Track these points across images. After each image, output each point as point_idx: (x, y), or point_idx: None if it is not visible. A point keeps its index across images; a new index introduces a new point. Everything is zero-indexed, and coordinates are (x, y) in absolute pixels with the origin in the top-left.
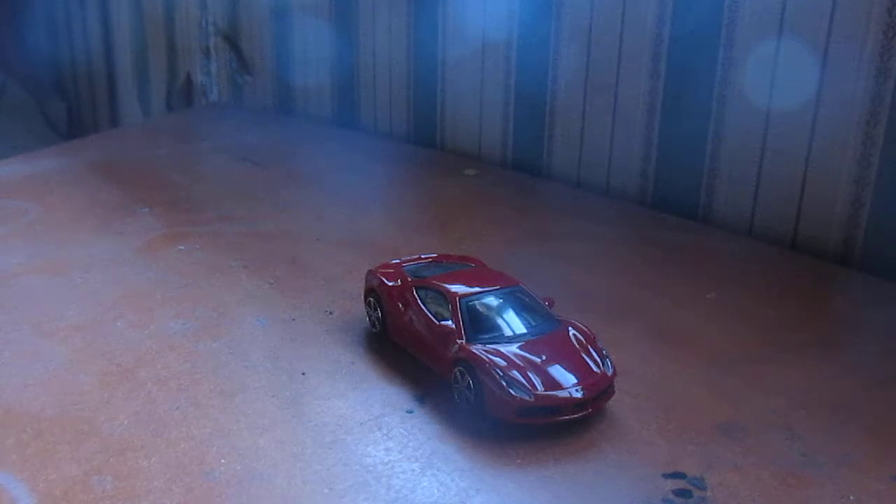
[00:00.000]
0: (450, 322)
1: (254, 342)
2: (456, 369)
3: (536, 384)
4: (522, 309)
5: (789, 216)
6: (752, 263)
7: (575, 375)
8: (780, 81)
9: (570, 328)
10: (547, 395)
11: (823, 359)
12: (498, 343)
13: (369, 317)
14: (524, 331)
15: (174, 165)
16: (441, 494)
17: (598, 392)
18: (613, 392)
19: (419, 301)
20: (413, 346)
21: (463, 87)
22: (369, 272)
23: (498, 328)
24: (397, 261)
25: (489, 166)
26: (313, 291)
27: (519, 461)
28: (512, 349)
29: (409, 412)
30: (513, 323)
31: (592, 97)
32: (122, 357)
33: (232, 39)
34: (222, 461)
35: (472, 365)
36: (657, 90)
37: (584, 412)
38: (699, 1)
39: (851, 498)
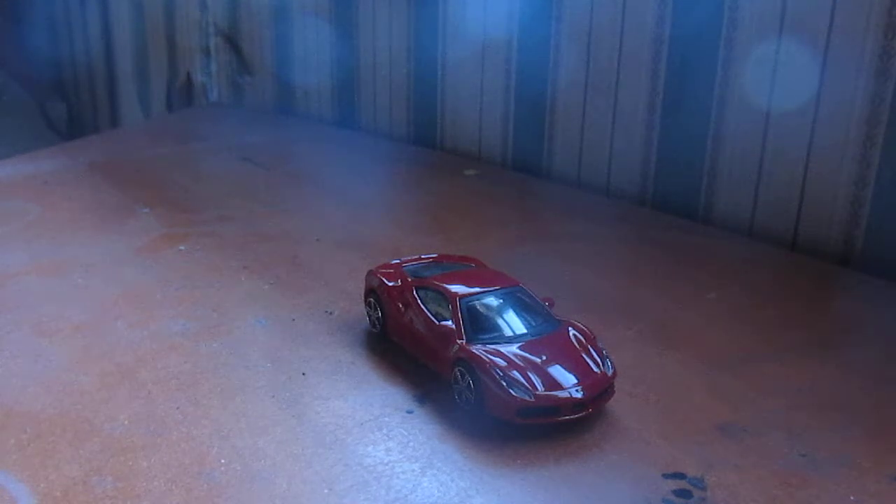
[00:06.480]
0: (450, 322)
1: (254, 342)
2: (456, 369)
3: (536, 384)
4: (522, 309)
5: (789, 216)
6: (752, 264)
7: (575, 375)
8: (780, 81)
9: (570, 328)
10: (547, 395)
11: (823, 359)
12: (498, 343)
13: (369, 317)
14: (524, 331)
15: (174, 165)
16: (441, 495)
17: (598, 392)
18: (613, 392)
19: (419, 301)
20: (413, 347)
21: (463, 88)
22: (369, 272)
23: (498, 328)
24: (397, 261)
25: (489, 166)
26: (313, 291)
27: (519, 461)
28: (512, 349)
29: (409, 412)
30: (513, 323)
31: (592, 97)
32: (122, 357)
33: (232, 39)
34: (222, 461)
35: (473, 365)
36: (657, 90)
37: (584, 412)
38: (699, 1)
39: (851, 498)
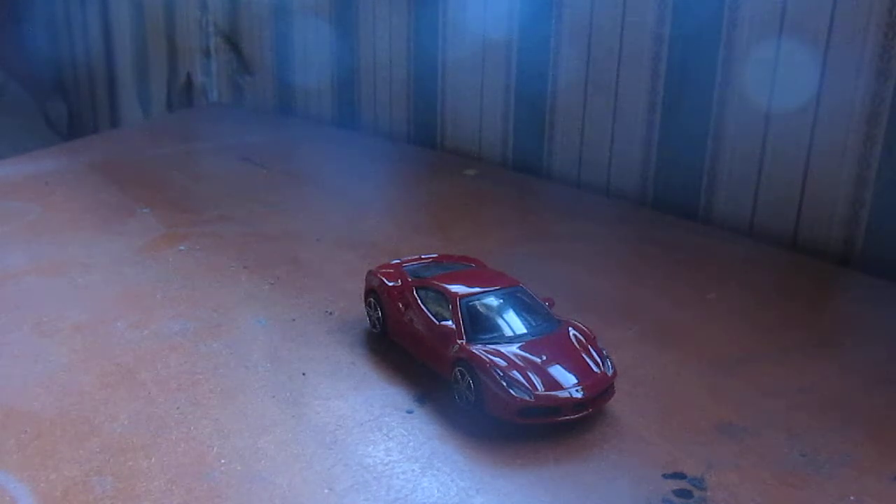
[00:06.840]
0: (450, 322)
1: (254, 342)
2: (456, 369)
3: (537, 384)
4: (522, 309)
5: (789, 216)
6: (752, 263)
7: (575, 375)
8: (780, 82)
9: (570, 328)
10: (547, 395)
11: (824, 359)
12: (498, 343)
13: (369, 317)
14: (524, 331)
15: (174, 165)
16: (441, 495)
17: (599, 392)
18: (613, 392)
19: (419, 301)
20: (413, 347)
21: (463, 87)
22: (369, 272)
23: (498, 328)
24: (397, 261)
25: (489, 166)
26: (313, 291)
27: (519, 461)
28: (512, 349)
29: (409, 412)
30: (513, 323)
31: (592, 97)
32: (122, 357)
33: (232, 39)
34: (222, 461)
35: (473, 365)
36: (657, 90)
37: (585, 412)
38: (699, 1)
39: (851, 498)
